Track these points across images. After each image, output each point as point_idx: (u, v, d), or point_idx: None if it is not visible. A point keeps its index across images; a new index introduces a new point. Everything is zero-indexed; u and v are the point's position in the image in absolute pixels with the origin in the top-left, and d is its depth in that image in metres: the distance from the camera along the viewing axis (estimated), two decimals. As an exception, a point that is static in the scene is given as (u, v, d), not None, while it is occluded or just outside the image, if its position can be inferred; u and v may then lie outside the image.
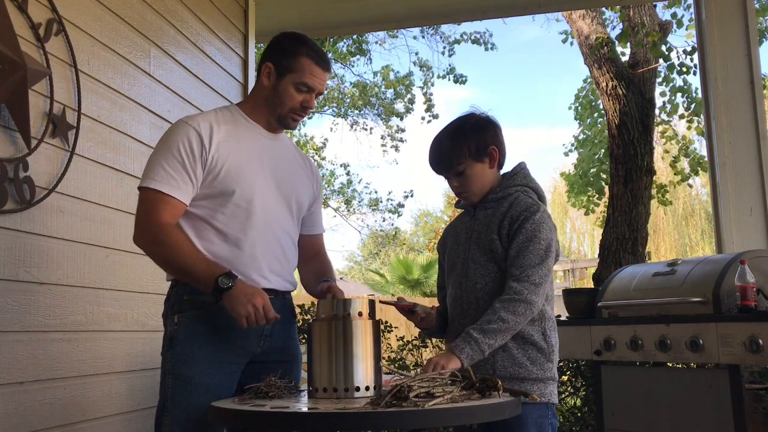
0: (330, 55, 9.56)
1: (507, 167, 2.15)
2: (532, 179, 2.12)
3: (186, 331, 1.96)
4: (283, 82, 2.05)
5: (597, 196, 8.77)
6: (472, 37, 9.81)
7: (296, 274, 2.24)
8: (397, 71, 11.66)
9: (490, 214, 2.06)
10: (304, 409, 1.56)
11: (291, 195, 2.13)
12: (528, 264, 1.92)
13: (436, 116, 10.89)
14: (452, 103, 40.57)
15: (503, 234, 1.99)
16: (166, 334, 2.01)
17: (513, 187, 2.07)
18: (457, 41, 10.06)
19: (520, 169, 2.13)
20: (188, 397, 1.91)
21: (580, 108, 9.05)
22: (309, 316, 4.61)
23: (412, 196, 15.73)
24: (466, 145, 2.03)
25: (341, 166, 15.08)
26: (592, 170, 8.82)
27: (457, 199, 2.19)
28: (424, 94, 10.91)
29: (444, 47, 10.37)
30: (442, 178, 2.12)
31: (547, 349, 1.98)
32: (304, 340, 2.73)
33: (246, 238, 2.00)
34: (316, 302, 1.85)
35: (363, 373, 1.69)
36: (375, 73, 12.68)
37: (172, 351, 1.96)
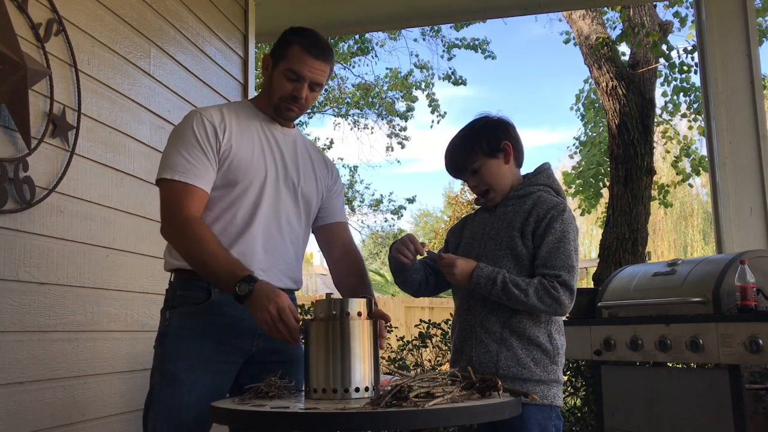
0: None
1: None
2: (555, 180, 2.10)
3: (176, 328, 1.94)
4: (276, 71, 2.04)
5: (594, 197, 8.76)
6: (472, 44, 9.78)
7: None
8: (400, 72, 11.60)
9: (510, 211, 2.04)
10: (304, 409, 1.56)
11: (298, 190, 2.10)
12: (561, 266, 1.91)
13: (443, 115, 10.81)
14: (456, 102, 40.64)
15: (527, 231, 1.97)
16: (159, 329, 2.00)
17: (535, 186, 2.06)
18: (456, 45, 10.04)
19: (544, 169, 2.11)
20: (172, 394, 1.88)
21: (583, 109, 9.04)
22: (309, 316, 4.59)
23: (414, 201, 15.69)
24: (478, 143, 2.04)
25: (344, 166, 15.04)
26: (589, 169, 8.81)
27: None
28: (427, 96, 10.85)
29: (443, 50, 10.35)
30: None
31: (552, 351, 1.96)
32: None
33: (249, 232, 1.98)
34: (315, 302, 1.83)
35: (361, 374, 1.67)
36: (377, 78, 12.64)
37: (162, 347, 1.94)
